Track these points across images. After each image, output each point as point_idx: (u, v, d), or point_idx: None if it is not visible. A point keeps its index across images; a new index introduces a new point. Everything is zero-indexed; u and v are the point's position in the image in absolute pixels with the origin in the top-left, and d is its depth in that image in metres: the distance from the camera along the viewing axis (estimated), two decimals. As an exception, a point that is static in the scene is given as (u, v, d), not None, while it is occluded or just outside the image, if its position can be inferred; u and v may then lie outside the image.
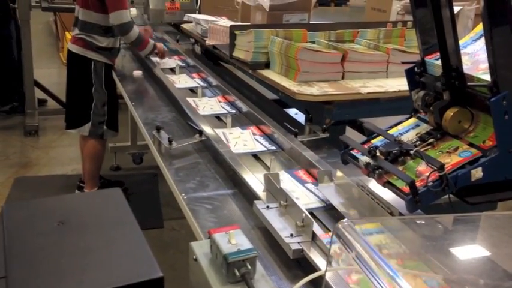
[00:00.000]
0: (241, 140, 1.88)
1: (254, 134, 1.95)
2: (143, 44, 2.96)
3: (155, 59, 3.08)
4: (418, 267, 0.95)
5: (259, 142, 1.89)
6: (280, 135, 1.85)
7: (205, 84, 2.67)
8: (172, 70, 2.97)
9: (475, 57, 1.29)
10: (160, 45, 3.13)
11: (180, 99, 2.27)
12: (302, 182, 1.56)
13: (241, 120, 2.16)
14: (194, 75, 2.84)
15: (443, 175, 1.12)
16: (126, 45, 3.70)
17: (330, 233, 1.23)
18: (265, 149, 1.84)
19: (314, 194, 1.48)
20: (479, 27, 1.32)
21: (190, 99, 2.29)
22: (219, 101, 2.38)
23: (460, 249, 1.04)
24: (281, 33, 2.31)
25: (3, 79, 4.77)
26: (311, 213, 1.34)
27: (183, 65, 3.07)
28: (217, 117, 2.22)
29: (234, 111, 2.25)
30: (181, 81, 2.69)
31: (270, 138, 1.93)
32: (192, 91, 2.58)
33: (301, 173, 1.63)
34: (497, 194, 1.22)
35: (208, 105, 2.29)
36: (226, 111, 2.23)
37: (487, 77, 1.15)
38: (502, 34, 1.09)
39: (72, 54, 2.93)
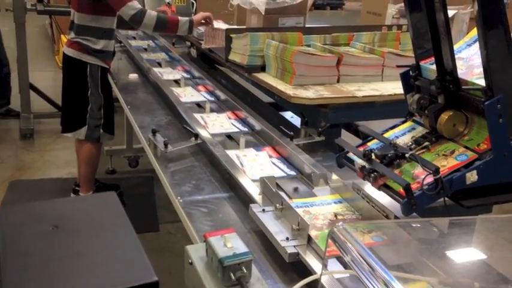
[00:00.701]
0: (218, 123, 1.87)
1: (271, 157, 1.79)
2: (171, 25, 2.78)
3: (157, 69, 2.94)
4: (412, 270, 0.95)
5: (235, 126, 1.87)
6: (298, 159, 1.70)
7: (213, 98, 2.50)
8: (176, 82, 2.80)
9: (469, 62, 1.30)
10: (198, 16, 2.89)
11: (176, 102, 2.27)
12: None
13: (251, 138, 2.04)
14: (200, 87, 2.69)
15: (439, 178, 1.12)
16: (122, 48, 3.71)
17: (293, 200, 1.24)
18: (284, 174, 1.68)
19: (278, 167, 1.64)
20: (474, 32, 1.33)
21: (197, 115, 2.13)
22: (229, 117, 2.21)
23: (456, 253, 1.05)
24: (277, 37, 2.32)
25: None
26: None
27: (187, 76, 2.91)
28: (198, 104, 2.25)
29: (246, 129, 2.09)
30: (186, 95, 2.51)
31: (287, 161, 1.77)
32: (199, 106, 2.45)
33: (267, 149, 1.77)
34: (492, 197, 1.22)
35: (188, 93, 2.22)
36: (205, 99, 2.22)
37: (482, 82, 1.16)
38: (496, 37, 1.10)
39: (67, 57, 2.92)
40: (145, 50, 3.63)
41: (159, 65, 3.20)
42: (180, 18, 2.83)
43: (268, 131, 1.93)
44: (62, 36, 5.39)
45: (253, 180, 1.52)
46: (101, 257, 1.02)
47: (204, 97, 2.50)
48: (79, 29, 2.86)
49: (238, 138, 1.95)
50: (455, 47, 1.30)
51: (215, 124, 2.12)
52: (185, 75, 2.91)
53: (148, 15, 2.72)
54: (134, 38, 4.05)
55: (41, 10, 4.39)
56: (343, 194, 1.41)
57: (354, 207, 1.36)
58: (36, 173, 3.86)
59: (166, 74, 2.91)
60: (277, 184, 1.46)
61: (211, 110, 2.32)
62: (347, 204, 1.38)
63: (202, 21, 2.88)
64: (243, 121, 2.16)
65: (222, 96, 2.45)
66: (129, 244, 1.06)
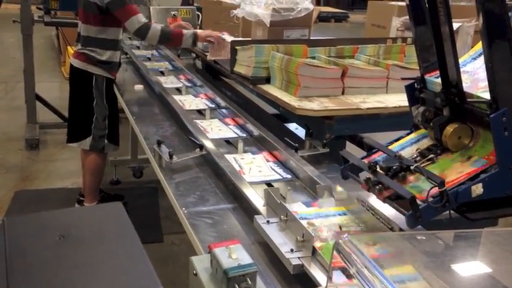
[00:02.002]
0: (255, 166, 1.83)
1: (268, 161, 1.85)
2: (174, 38, 2.84)
3: (162, 78, 2.97)
4: (417, 282, 0.94)
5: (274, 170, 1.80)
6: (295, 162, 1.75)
7: (213, 105, 2.55)
8: (178, 90, 2.86)
9: (474, 75, 1.30)
10: (203, 32, 2.94)
11: (181, 113, 2.28)
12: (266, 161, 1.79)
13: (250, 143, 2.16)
14: (201, 95, 2.73)
15: (444, 191, 1.12)
16: (128, 59, 3.74)
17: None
18: (280, 177, 1.74)
19: (275, 171, 1.70)
20: (479, 46, 1.33)
21: (177, 97, 2.26)
22: (228, 124, 2.28)
23: (461, 266, 1.04)
24: (282, 49, 2.33)
25: None
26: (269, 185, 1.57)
27: (189, 84, 2.96)
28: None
29: (244, 134, 2.16)
30: (187, 103, 2.55)
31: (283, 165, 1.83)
32: (200, 113, 2.51)
33: (265, 154, 1.84)
34: (498, 210, 1.22)
35: (217, 128, 2.20)
36: (236, 135, 2.15)
37: (487, 96, 1.16)
38: (501, 50, 1.11)
39: (74, 68, 2.95)
40: (149, 59, 3.66)
41: (162, 73, 3.23)
42: (184, 31, 2.86)
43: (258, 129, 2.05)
44: (69, 47, 5.44)
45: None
46: (107, 267, 1.02)
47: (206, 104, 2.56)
48: (85, 40, 2.89)
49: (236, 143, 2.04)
50: (461, 60, 1.30)
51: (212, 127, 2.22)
52: (187, 83, 2.98)
53: (153, 29, 2.77)
54: (138, 47, 4.08)
55: (48, 22, 4.43)
56: (348, 206, 1.41)
57: (359, 219, 1.35)
58: (41, 183, 3.87)
59: (168, 83, 2.96)
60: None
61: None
62: (351, 216, 1.38)
63: (208, 38, 2.91)
64: (242, 127, 2.24)
65: (222, 103, 2.53)
66: (135, 254, 1.06)
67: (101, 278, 0.98)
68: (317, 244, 1.18)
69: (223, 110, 2.48)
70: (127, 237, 1.11)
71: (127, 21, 2.74)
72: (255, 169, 1.76)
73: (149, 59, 3.66)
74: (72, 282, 0.96)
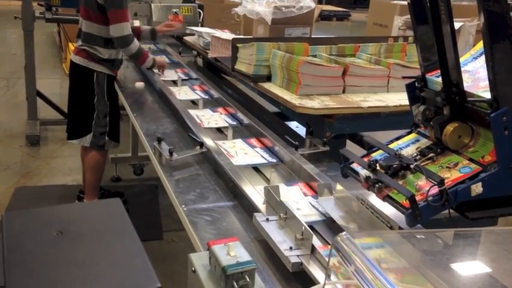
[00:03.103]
0: (240, 150, 1.90)
1: (254, 147, 1.95)
2: (142, 57, 2.97)
3: (156, 71, 3.09)
4: (416, 281, 0.94)
5: (260, 154, 1.88)
6: (280, 148, 1.83)
7: (207, 97, 2.66)
8: (174, 82, 2.97)
9: (475, 75, 1.30)
10: (160, 59, 3.14)
11: (182, 110, 2.28)
12: (252, 147, 1.84)
13: (242, 132, 2.17)
14: (196, 87, 2.85)
15: (443, 190, 1.12)
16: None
17: (329, 246, 1.24)
18: (265, 161, 1.83)
19: (314, 207, 1.48)
20: (480, 45, 1.33)
21: (192, 112, 2.30)
22: (220, 113, 2.38)
23: (460, 265, 1.04)
24: (283, 47, 2.33)
25: None
26: (310, 227, 1.32)
27: (185, 77, 3.06)
28: (218, 129, 2.22)
29: (235, 123, 2.25)
30: (181, 94, 2.69)
31: (270, 151, 1.92)
32: (194, 103, 2.58)
33: (301, 186, 1.62)
34: (497, 209, 1.22)
35: (212, 120, 2.28)
36: (227, 124, 2.22)
37: (488, 95, 1.16)
38: (502, 50, 1.10)
39: (74, 65, 2.94)
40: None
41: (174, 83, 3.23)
42: (149, 55, 3.04)
43: (255, 124, 2.09)
44: (70, 44, 5.44)
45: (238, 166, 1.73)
46: (105, 263, 1.02)
47: (198, 95, 2.63)
48: (86, 37, 2.88)
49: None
50: (462, 59, 1.30)
51: (210, 122, 2.26)
52: (183, 76, 3.06)
53: (135, 43, 2.87)
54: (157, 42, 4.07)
55: (50, 18, 4.42)
56: (348, 204, 1.41)
57: (358, 217, 1.35)
58: (41, 180, 3.87)
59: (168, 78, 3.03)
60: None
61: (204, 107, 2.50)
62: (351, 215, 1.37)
63: (160, 65, 3.11)
64: (233, 116, 2.31)
65: (216, 94, 2.63)
66: (133, 250, 1.06)
67: (99, 274, 0.98)
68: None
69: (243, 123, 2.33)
70: (125, 234, 1.11)
71: (116, 24, 2.76)
72: (240, 152, 1.91)
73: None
74: (70, 278, 0.96)
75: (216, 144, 1.88)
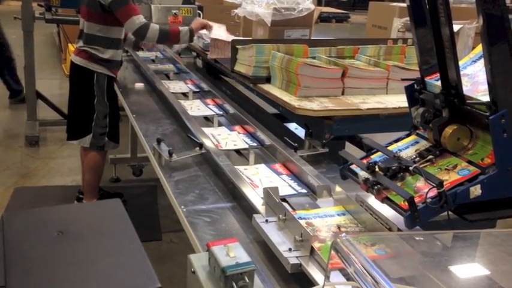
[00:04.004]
0: (264, 178, 1.72)
1: (281, 174, 1.73)
2: (172, 36, 2.85)
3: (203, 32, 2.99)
4: (411, 279, 0.95)
5: (288, 183, 1.69)
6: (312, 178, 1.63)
7: (221, 112, 2.47)
8: (184, 95, 2.82)
9: (474, 78, 1.31)
10: (196, 23, 2.96)
11: (181, 111, 2.28)
12: (278, 174, 1.72)
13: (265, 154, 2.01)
14: (208, 101, 2.64)
15: (442, 192, 1.12)
16: (129, 57, 3.74)
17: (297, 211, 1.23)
18: (295, 192, 1.62)
19: (289, 184, 1.62)
20: (479, 48, 1.34)
21: (207, 131, 2.07)
22: (238, 132, 2.17)
23: (458, 266, 1.05)
24: (282, 48, 2.33)
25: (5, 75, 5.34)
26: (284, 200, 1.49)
27: (197, 90, 2.88)
28: (206, 117, 2.32)
29: (255, 144, 2.05)
30: (193, 108, 2.48)
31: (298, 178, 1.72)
32: (207, 119, 2.44)
33: (278, 166, 1.77)
34: (496, 211, 1.22)
35: (230, 140, 2.07)
36: (247, 145, 2.03)
37: (487, 99, 1.16)
38: (501, 52, 1.11)
39: (75, 65, 2.94)
40: (153, 61, 3.65)
41: (167, 76, 3.21)
42: (180, 28, 2.87)
43: (279, 147, 1.89)
44: (70, 45, 5.44)
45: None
46: (105, 263, 1.02)
47: (212, 110, 2.53)
48: (87, 37, 2.88)
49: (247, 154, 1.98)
50: (461, 63, 1.31)
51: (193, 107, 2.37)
52: (194, 88, 2.90)
53: (152, 28, 2.77)
54: (142, 49, 4.07)
55: (49, 19, 4.42)
56: (347, 206, 1.41)
57: (357, 219, 1.36)
58: (40, 180, 3.87)
59: (173, 85, 2.93)
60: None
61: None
62: (350, 216, 1.38)
63: (202, 28, 2.95)
64: (220, 106, 2.40)
65: (231, 110, 2.47)
66: (133, 251, 1.06)
67: (99, 274, 0.99)
68: (316, 244, 1.18)
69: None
70: (125, 234, 1.11)
71: (127, 21, 2.74)
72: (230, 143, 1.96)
73: (153, 60, 3.66)
74: (69, 278, 0.96)
75: (237, 171, 1.68)
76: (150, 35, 2.77)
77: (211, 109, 2.45)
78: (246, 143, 2.04)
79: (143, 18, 2.78)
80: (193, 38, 2.93)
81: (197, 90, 2.83)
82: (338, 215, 1.39)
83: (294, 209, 1.44)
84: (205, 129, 2.08)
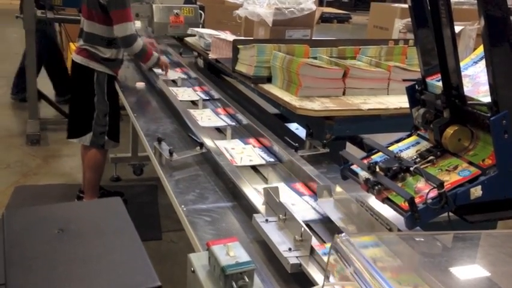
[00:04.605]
0: (245, 156, 1.83)
1: (303, 195, 1.60)
2: (147, 56, 2.98)
3: (158, 71, 3.08)
4: (411, 280, 0.94)
5: (259, 155, 1.86)
6: (280, 149, 1.80)
7: (207, 97, 2.65)
8: (174, 82, 2.97)
9: (475, 79, 1.30)
10: (164, 58, 3.14)
11: (182, 111, 2.28)
12: (300, 195, 1.58)
13: (241, 133, 2.16)
14: (196, 88, 2.83)
15: (443, 192, 1.12)
16: (130, 57, 3.74)
17: (325, 245, 1.24)
18: (264, 161, 1.81)
19: (311, 206, 1.49)
20: (480, 49, 1.34)
21: (220, 144, 1.94)
22: (219, 113, 2.34)
23: (458, 267, 1.04)
24: (283, 49, 2.33)
25: (55, 74, 5.33)
26: (308, 225, 1.31)
27: (185, 77, 3.06)
28: (217, 129, 2.21)
29: (234, 123, 2.23)
30: (184, 95, 2.66)
31: (269, 151, 1.91)
32: (194, 103, 2.58)
33: (299, 186, 1.64)
34: (497, 213, 1.22)
35: (246, 154, 1.91)
36: (226, 124, 2.19)
37: (488, 100, 1.16)
38: (502, 53, 1.11)
39: (75, 64, 2.95)
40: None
41: (174, 82, 3.19)
42: (154, 53, 3.02)
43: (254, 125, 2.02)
44: (71, 44, 5.44)
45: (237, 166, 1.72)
46: (104, 261, 1.03)
47: (199, 96, 2.63)
48: (88, 36, 2.89)
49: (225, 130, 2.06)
50: (462, 64, 1.31)
51: (203, 117, 2.28)
52: (182, 76, 3.05)
53: (138, 42, 2.87)
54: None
55: (51, 18, 4.43)
56: (347, 206, 1.41)
57: (357, 219, 1.35)
58: (41, 179, 3.87)
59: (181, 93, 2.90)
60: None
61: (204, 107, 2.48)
62: (350, 216, 1.38)
63: (164, 66, 3.08)
64: (233, 116, 2.26)
65: (216, 95, 2.57)
66: (133, 249, 1.06)
67: (99, 272, 0.99)
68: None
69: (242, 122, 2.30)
70: (125, 232, 1.11)
71: (119, 24, 2.77)
72: (245, 158, 1.84)
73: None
74: (70, 276, 0.96)
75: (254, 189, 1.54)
76: (134, 47, 2.87)
77: (223, 119, 2.28)
78: (263, 158, 1.85)
79: (134, 27, 2.84)
80: (156, 66, 3.05)
81: (207, 98, 2.65)
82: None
83: (323, 242, 1.32)
84: (218, 142, 1.93)
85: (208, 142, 1.90)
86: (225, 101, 2.47)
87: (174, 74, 3.11)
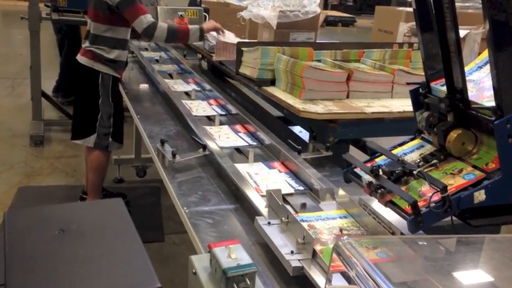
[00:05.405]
0: (271, 182, 1.65)
1: (279, 172, 1.67)
2: (182, 34, 2.86)
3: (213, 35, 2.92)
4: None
5: (287, 181, 1.66)
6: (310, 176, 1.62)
7: (224, 112, 2.44)
8: (187, 94, 2.81)
9: (480, 84, 1.30)
10: (209, 25, 2.98)
11: (185, 113, 2.28)
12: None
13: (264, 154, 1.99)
14: (211, 101, 2.63)
15: (446, 196, 1.12)
16: (134, 58, 3.75)
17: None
18: (292, 190, 1.60)
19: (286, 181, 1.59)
20: (485, 54, 1.33)
21: (241, 168, 1.76)
22: (238, 131, 2.16)
23: (461, 272, 1.04)
24: (287, 51, 2.33)
25: (69, 74, 5.16)
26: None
27: (199, 89, 2.88)
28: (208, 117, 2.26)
29: (255, 143, 2.02)
30: (198, 109, 2.46)
31: (297, 177, 1.70)
32: (210, 119, 2.40)
33: (276, 164, 1.73)
34: (500, 217, 1.21)
35: (223, 133, 2.01)
36: (247, 143, 2.01)
37: (492, 105, 1.16)
38: (507, 58, 1.10)
39: (80, 66, 2.96)
40: (157, 61, 3.66)
41: (170, 76, 3.22)
42: (190, 27, 2.89)
43: (277, 145, 1.88)
44: (76, 45, 5.46)
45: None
46: (105, 262, 1.02)
47: (214, 110, 2.51)
48: (93, 38, 2.90)
49: (247, 152, 1.93)
50: (466, 69, 1.30)
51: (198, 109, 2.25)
52: (196, 87, 2.92)
53: (160, 27, 2.78)
54: (146, 49, 4.09)
55: (56, 19, 4.44)
56: (350, 210, 1.41)
57: (360, 223, 1.35)
58: (44, 180, 3.88)
59: (177, 85, 2.93)
60: (284, 198, 1.46)
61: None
62: (352, 219, 1.37)
63: (213, 29, 2.96)
64: (252, 135, 2.12)
65: (266, 140, 2.21)
66: (134, 250, 1.06)
67: (99, 272, 0.99)
68: (317, 247, 1.18)
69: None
70: (126, 233, 1.11)
71: (135, 21, 2.75)
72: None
73: (157, 60, 3.67)
74: (70, 276, 0.96)
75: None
76: (158, 34, 2.77)
77: (243, 138, 2.08)
78: (291, 185, 1.64)
79: (151, 18, 2.79)
80: (203, 37, 2.94)
81: (224, 113, 2.47)
82: (340, 217, 1.39)
83: (296, 212, 1.42)
84: (240, 166, 1.74)
85: (211, 144, 1.90)
86: (243, 116, 2.27)
87: (186, 85, 2.96)
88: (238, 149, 2.01)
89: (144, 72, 3.40)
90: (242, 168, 1.74)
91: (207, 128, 2.13)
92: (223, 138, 2.07)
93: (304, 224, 1.28)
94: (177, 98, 2.57)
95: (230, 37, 3.02)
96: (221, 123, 2.31)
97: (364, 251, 0.91)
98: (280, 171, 1.76)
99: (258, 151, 1.98)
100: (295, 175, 1.72)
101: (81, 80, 3.04)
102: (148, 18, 2.77)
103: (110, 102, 2.97)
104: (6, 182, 3.75)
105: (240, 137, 2.11)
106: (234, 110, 2.39)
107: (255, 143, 2.03)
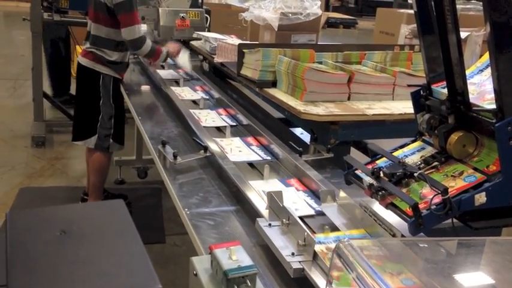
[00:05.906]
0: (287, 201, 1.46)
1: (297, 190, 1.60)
2: (156, 54, 3.01)
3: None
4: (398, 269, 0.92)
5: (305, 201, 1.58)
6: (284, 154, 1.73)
7: (235, 123, 2.36)
8: (195, 103, 2.69)
9: (481, 87, 1.30)
10: (172, 48, 3.17)
11: (186, 114, 2.28)
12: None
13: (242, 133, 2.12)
14: (220, 111, 2.52)
15: (447, 198, 1.12)
16: (136, 60, 3.75)
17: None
18: (313, 211, 1.51)
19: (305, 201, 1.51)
20: (486, 57, 1.33)
21: (218, 140, 1.90)
22: (250, 144, 2.06)
23: (462, 274, 1.04)
24: (289, 53, 2.33)
25: (57, 74, 5.36)
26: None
27: (207, 97, 2.79)
28: (218, 128, 2.21)
29: (269, 157, 1.94)
30: (207, 119, 2.35)
31: (315, 195, 1.61)
32: (219, 130, 2.30)
33: (293, 181, 1.66)
34: (501, 219, 1.21)
35: (234, 146, 1.95)
36: (261, 158, 1.91)
37: (493, 107, 1.16)
38: (508, 60, 1.10)
39: (81, 67, 2.96)
40: (162, 66, 3.63)
41: (177, 83, 3.19)
42: (162, 48, 3.06)
43: (294, 160, 1.78)
44: (77, 46, 5.47)
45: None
46: (106, 263, 1.03)
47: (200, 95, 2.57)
48: (94, 39, 2.90)
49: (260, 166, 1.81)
50: (468, 72, 1.30)
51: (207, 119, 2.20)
52: (204, 95, 2.85)
53: (147, 43, 2.91)
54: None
55: (58, 21, 4.45)
56: (370, 229, 1.36)
57: (361, 225, 1.35)
58: (46, 181, 3.88)
59: (185, 92, 2.84)
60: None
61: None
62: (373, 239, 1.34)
63: (177, 53, 3.19)
64: (266, 148, 2.02)
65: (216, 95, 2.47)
66: (135, 251, 1.06)
67: (100, 273, 0.99)
68: (334, 273, 1.10)
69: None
70: (127, 234, 1.11)
71: (127, 28, 2.78)
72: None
73: (162, 67, 3.65)
74: (71, 277, 0.96)
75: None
76: (144, 48, 2.90)
77: (256, 152, 1.99)
78: (312, 207, 1.54)
79: (142, 30, 2.86)
80: (166, 60, 3.13)
81: (234, 123, 2.37)
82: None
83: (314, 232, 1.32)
84: (254, 183, 1.63)
85: (212, 145, 1.90)
86: (255, 127, 2.16)
87: (194, 93, 2.84)
88: (251, 164, 1.89)
89: (145, 74, 3.41)
90: (257, 186, 1.63)
91: (218, 140, 2.03)
92: (235, 151, 1.95)
93: (322, 246, 1.21)
94: (185, 108, 2.42)
95: (232, 39, 3.04)
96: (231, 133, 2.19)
97: (388, 277, 0.85)
98: (298, 190, 1.65)
99: (272, 165, 1.86)
100: (315, 194, 1.59)
101: (82, 81, 3.04)
102: (141, 29, 2.85)
103: (111, 104, 2.97)
104: (8, 183, 3.76)
105: (253, 150, 2.00)
106: (245, 121, 2.29)
107: (269, 158, 1.92)
